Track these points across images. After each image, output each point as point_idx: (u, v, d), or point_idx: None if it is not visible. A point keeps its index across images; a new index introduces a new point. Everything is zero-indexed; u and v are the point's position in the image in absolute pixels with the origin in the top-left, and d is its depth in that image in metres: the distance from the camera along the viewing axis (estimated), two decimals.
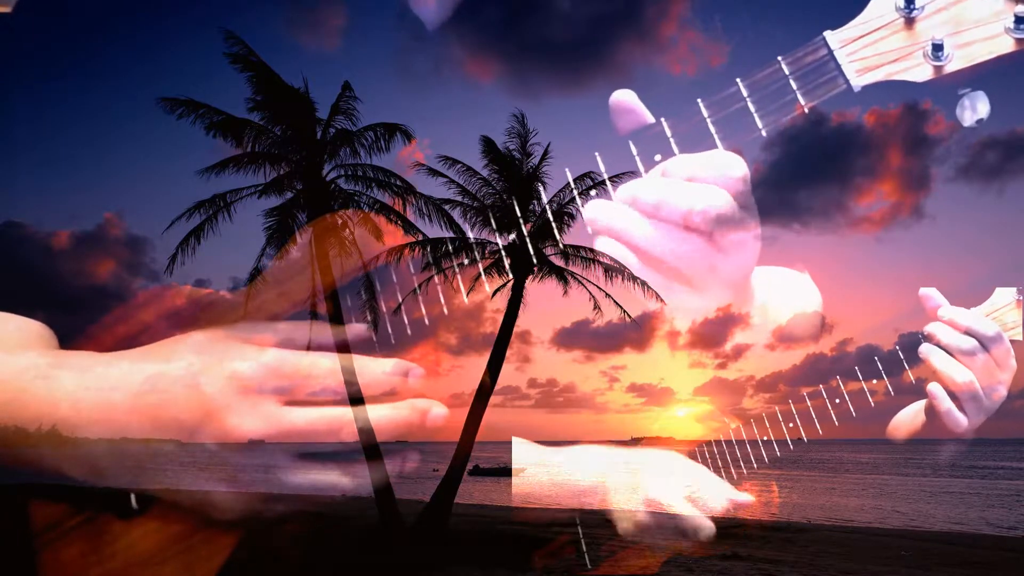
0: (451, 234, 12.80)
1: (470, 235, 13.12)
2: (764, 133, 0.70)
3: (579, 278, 13.46)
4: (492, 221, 11.89)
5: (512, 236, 12.91)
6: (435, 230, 12.97)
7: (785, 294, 0.95)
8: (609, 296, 13.51)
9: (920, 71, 0.69)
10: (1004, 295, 0.88)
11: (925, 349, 0.87)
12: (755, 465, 0.96)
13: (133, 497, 0.69)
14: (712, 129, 0.71)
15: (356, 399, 0.65)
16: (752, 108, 0.69)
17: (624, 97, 0.73)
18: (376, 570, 9.24)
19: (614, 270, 13.01)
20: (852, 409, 0.94)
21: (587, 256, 12.99)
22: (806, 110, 0.70)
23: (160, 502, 0.70)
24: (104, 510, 0.67)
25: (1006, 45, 0.67)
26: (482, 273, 13.46)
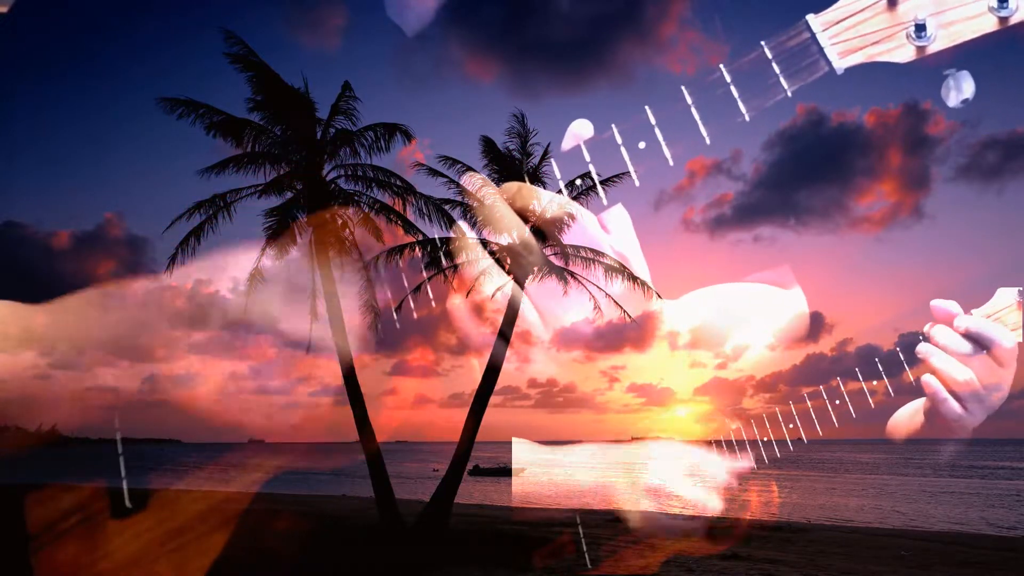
0: (451, 234, 12.80)
1: (470, 235, 13.11)
2: (747, 118, 0.69)
3: (579, 278, 13.46)
4: (492, 221, 11.88)
5: (512, 236, 12.91)
6: (435, 230, 12.98)
7: (775, 304, 0.95)
8: (609, 296, 13.51)
9: (903, 52, 0.68)
10: (1006, 296, 0.87)
11: (923, 348, 0.86)
12: (755, 465, 0.96)
13: (127, 496, 0.68)
14: (696, 115, 0.70)
15: (356, 397, 0.65)
16: (735, 93, 0.69)
17: (578, 128, 0.75)
18: (376, 570, 9.23)
19: (614, 270, 13.00)
20: (852, 409, 0.94)
21: (587, 256, 12.99)
22: (789, 94, 0.69)
23: (154, 501, 0.70)
24: (100, 509, 0.67)
25: (989, 24, 0.66)
26: (482, 273, 13.45)
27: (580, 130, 0.75)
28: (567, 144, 0.75)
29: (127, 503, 0.72)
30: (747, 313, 0.95)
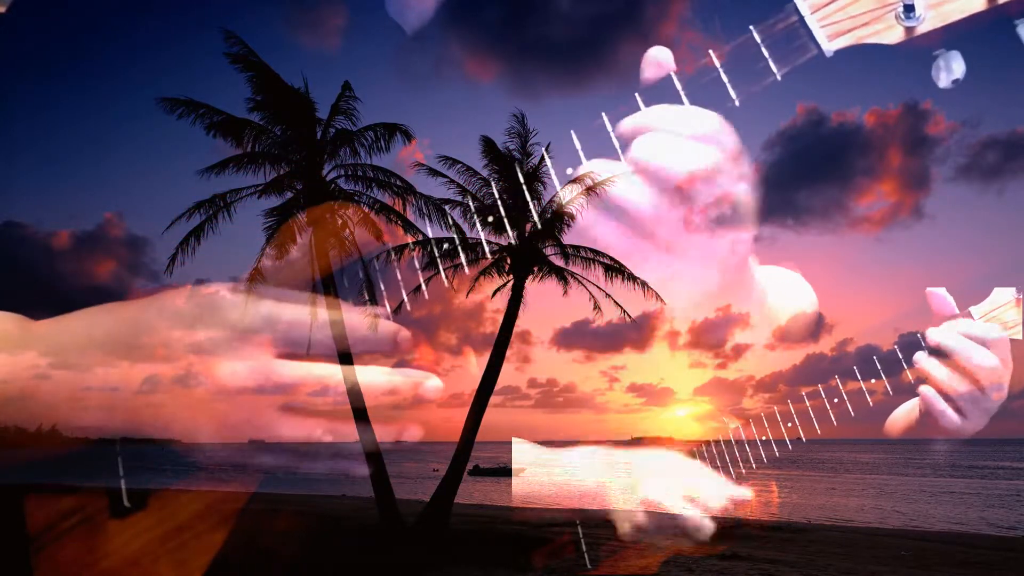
0: (451, 234, 12.81)
1: (470, 235, 13.11)
2: (737, 103, 0.69)
3: (579, 278, 13.47)
4: (492, 221, 11.88)
5: (512, 236, 12.91)
6: (435, 230, 12.99)
7: (784, 293, 0.95)
8: (609, 296, 13.51)
9: (892, 33, 0.68)
10: (1003, 294, 0.88)
11: (922, 358, 0.86)
12: (755, 465, 0.96)
13: (127, 496, 0.69)
14: (685, 101, 0.71)
15: (356, 398, 0.65)
16: (724, 78, 0.69)
17: (658, 54, 0.72)
18: (376, 570, 9.23)
19: (614, 270, 13.00)
20: (851, 409, 0.94)
21: (587, 256, 12.99)
22: (779, 77, 0.68)
23: (153, 500, 0.70)
24: (100, 509, 0.67)
25: (978, 3, 0.66)
26: (481, 273, 13.46)
27: (662, 57, 0.71)
28: (650, 74, 0.72)
29: (126, 503, 0.72)
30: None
